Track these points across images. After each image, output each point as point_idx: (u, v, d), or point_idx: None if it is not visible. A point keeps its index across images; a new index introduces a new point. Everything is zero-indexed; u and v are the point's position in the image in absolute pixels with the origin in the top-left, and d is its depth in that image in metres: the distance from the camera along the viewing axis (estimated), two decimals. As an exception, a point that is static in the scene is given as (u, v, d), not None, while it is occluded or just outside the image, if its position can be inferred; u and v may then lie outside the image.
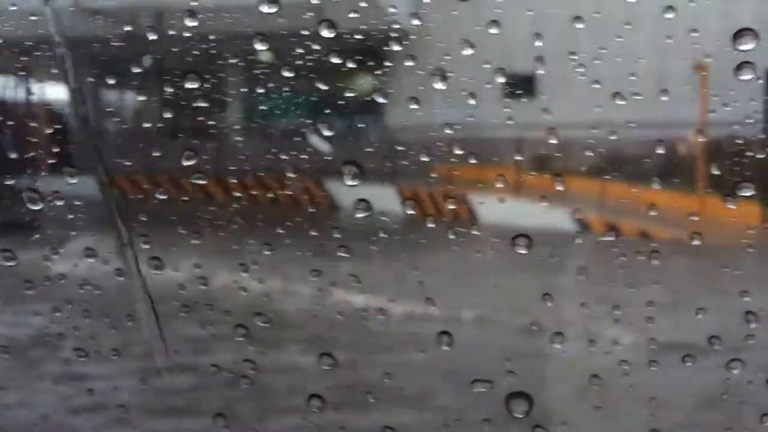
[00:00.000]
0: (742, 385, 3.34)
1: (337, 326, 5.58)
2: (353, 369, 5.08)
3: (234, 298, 5.17)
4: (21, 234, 5.22)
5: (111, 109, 17.85)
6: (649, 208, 7.26)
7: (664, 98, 6.35)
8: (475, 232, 8.78)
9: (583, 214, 11.58)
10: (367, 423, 4.36)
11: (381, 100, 16.23)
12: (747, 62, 2.14)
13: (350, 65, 3.29)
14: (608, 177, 11.87)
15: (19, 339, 5.97)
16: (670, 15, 3.72)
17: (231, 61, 12.97)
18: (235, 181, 12.38)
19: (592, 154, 10.65)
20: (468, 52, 3.44)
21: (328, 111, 13.70)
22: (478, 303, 7.38)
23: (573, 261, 6.50)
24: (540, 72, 11.83)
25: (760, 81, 2.70)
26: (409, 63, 4.03)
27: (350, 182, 2.20)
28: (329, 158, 9.17)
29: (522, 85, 12.12)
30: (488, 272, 7.27)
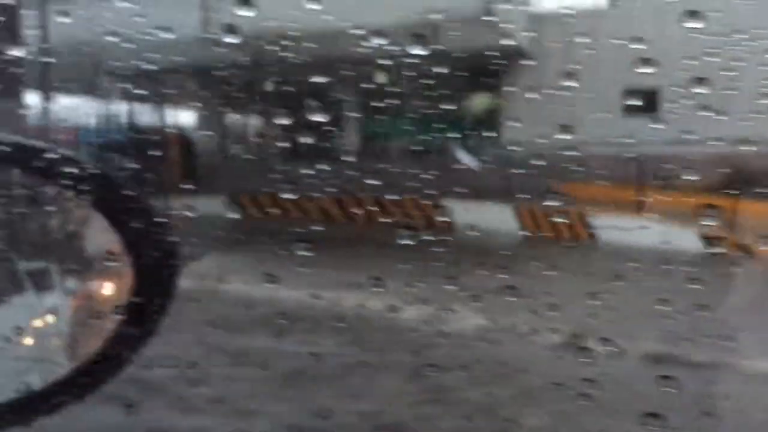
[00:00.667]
0: None
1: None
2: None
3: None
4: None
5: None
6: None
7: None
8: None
9: (713, 232, 11.01)
10: None
11: (498, 117, 16.13)
12: None
13: (469, 83, 3.32)
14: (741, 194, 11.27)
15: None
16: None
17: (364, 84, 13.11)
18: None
19: (725, 170, 10.14)
20: (584, 67, 3.41)
21: (452, 128, 13.71)
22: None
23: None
24: (664, 87, 11.41)
25: None
26: (527, 81, 4.05)
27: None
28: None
29: (645, 101, 11.72)
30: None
